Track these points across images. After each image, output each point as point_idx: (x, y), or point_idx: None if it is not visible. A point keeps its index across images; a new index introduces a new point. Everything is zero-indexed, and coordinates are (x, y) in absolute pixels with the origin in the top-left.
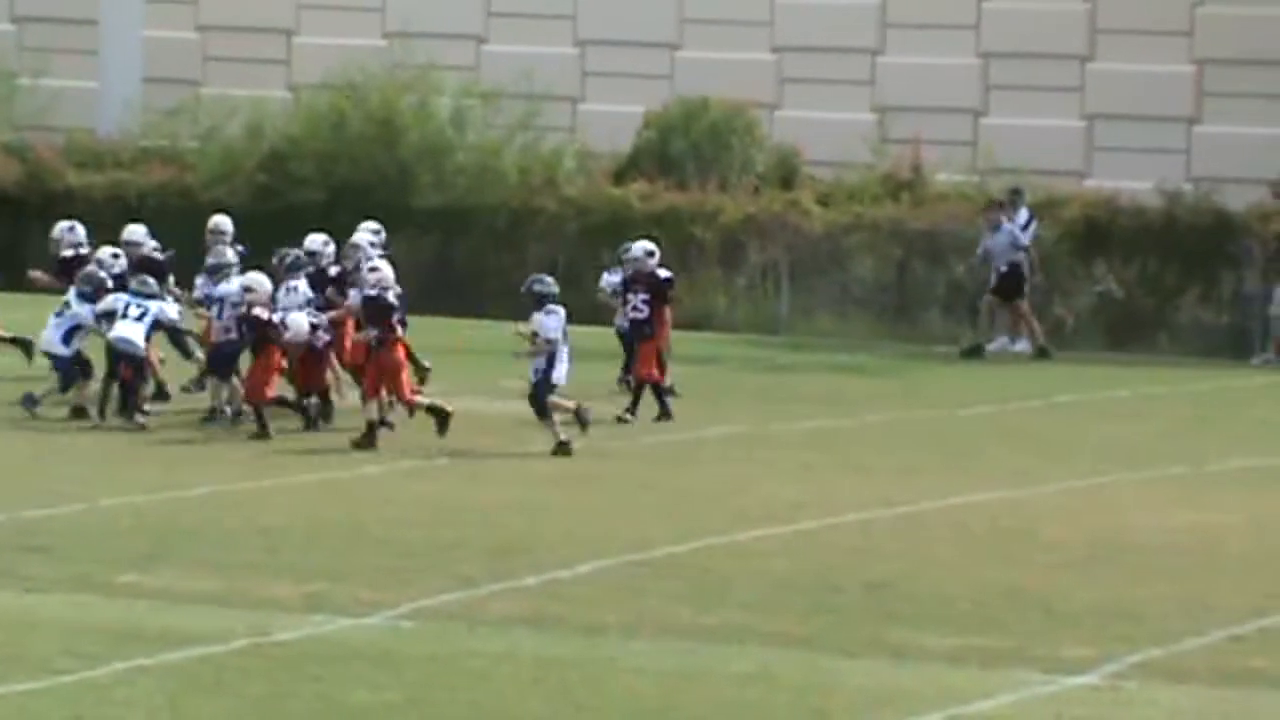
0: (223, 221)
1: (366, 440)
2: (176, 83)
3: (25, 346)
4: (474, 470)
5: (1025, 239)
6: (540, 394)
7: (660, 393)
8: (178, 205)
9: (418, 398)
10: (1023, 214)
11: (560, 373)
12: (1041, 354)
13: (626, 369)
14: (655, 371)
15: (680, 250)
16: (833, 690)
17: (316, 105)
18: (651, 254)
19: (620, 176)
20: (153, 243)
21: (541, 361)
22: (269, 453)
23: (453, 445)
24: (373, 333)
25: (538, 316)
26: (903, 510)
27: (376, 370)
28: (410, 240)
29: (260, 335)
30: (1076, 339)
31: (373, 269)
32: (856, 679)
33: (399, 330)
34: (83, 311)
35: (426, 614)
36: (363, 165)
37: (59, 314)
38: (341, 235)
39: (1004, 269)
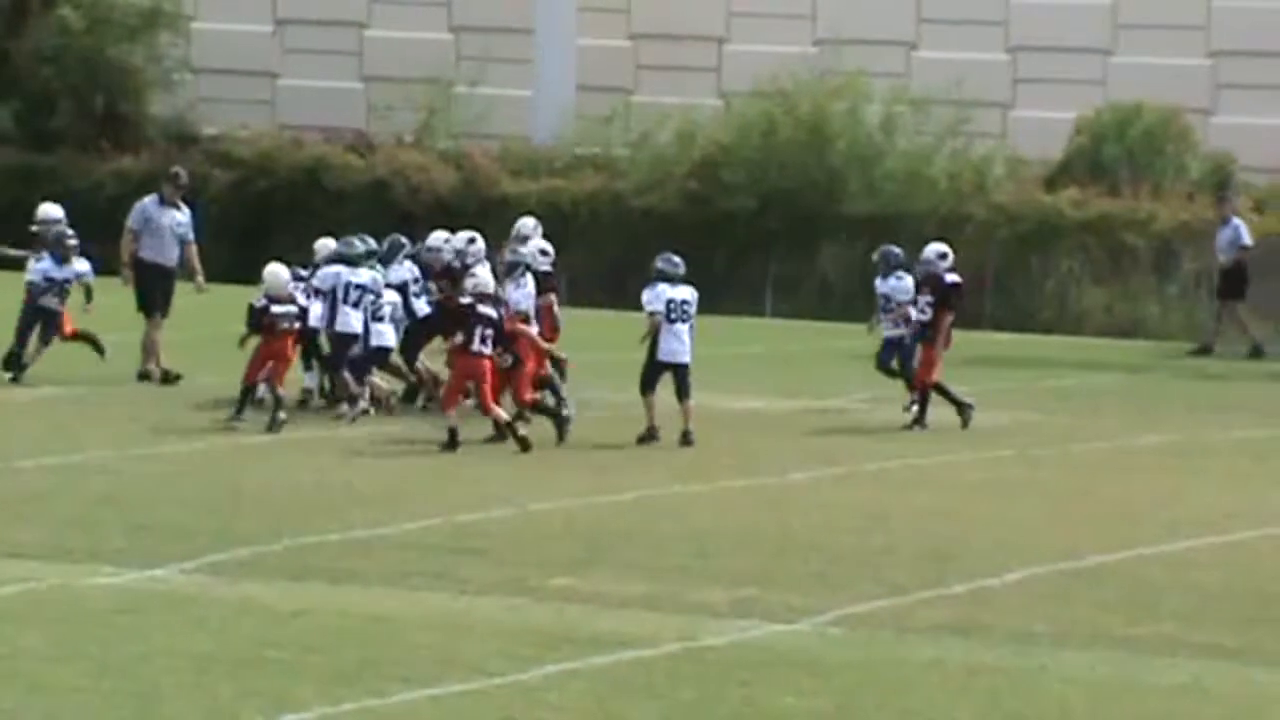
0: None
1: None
2: (609, 90)
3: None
4: (904, 477)
5: (1246, 237)
6: (644, 371)
7: (925, 400)
8: (609, 212)
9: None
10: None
11: (669, 350)
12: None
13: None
14: (934, 376)
15: (1112, 257)
16: (1267, 705)
17: (747, 112)
18: (944, 256)
19: (1051, 183)
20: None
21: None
22: (697, 459)
23: (877, 451)
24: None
25: (645, 292)
26: None
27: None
28: (840, 246)
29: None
30: None
31: (471, 274)
32: None
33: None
34: None
35: (855, 620)
36: (792, 172)
37: None
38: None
39: (1228, 266)
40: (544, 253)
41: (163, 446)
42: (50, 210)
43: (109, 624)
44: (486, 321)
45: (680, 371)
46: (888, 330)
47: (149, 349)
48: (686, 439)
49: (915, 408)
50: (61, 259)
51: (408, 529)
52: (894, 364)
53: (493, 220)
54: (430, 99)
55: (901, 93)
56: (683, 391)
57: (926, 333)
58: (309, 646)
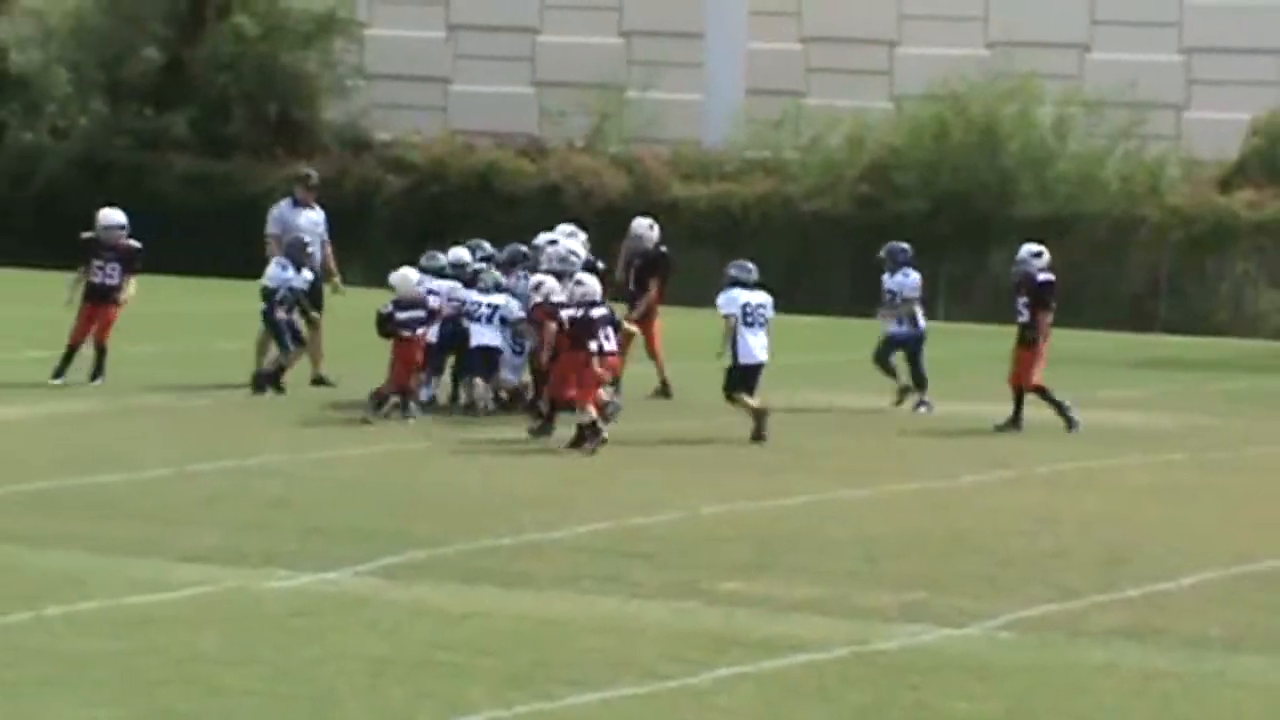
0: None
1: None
2: (779, 94)
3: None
4: (1075, 480)
5: None
6: (728, 375)
7: (1020, 403)
8: (780, 215)
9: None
10: None
11: (748, 353)
12: None
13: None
14: (1035, 378)
15: None
16: None
17: (919, 115)
18: (1038, 255)
19: (1226, 184)
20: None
21: (729, 344)
22: (865, 462)
23: (1043, 454)
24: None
25: (719, 297)
26: None
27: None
28: (1010, 250)
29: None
30: None
31: (578, 282)
32: None
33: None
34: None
35: (1026, 624)
36: (964, 175)
37: None
38: (941, 243)
39: None
40: (575, 254)
41: (335, 450)
42: (113, 215)
43: (284, 627)
44: (606, 321)
45: (756, 372)
46: (891, 327)
47: (313, 354)
48: (759, 430)
49: (1012, 409)
50: (298, 266)
51: (578, 532)
52: (893, 362)
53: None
54: (602, 104)
55: (1074, 95)
56: (752, 391)
57: (1026, 334)
58: (481, 649)
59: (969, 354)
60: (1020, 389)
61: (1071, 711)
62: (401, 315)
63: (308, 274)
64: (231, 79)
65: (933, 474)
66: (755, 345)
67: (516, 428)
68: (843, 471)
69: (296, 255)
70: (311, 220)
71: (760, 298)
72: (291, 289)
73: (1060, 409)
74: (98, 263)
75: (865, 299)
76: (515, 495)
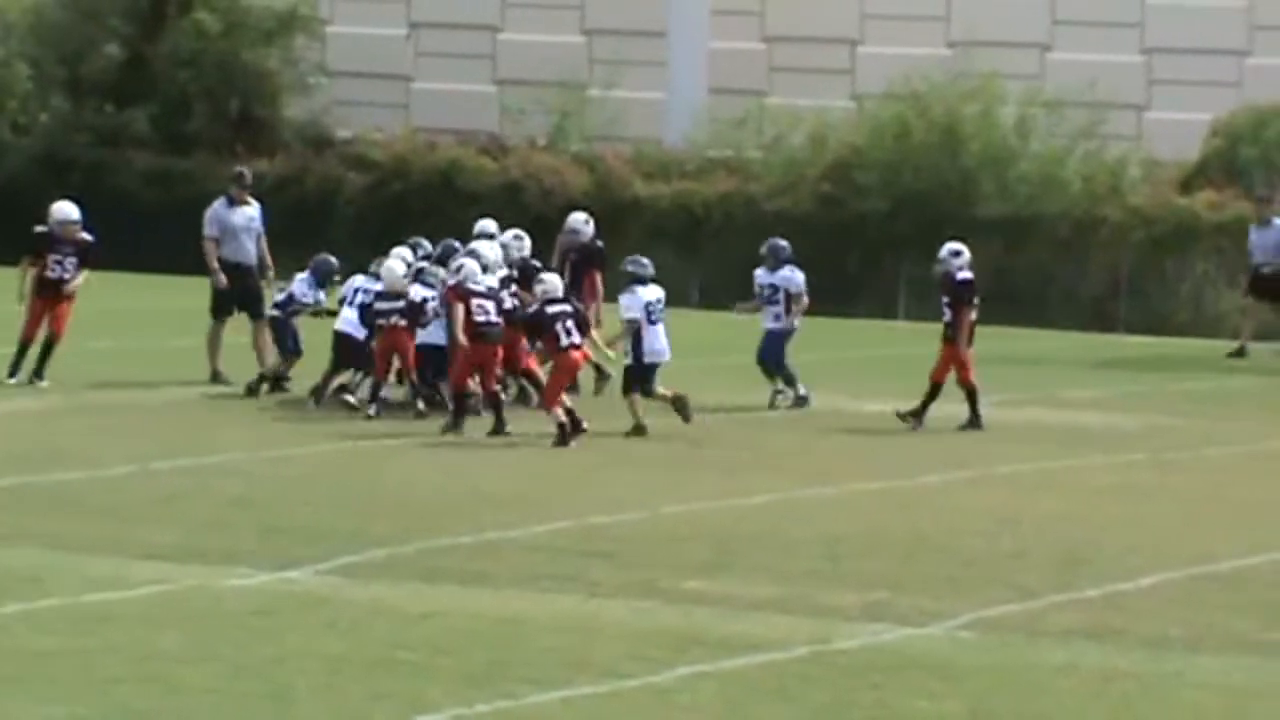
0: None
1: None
2: (741, 93)
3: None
4: (1036, 481)
5: None
6: (627, 373)
7: (973, 401)
8: (742, 215)
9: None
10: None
11: (652, 351)
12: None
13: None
14: (944, 374)
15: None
16: None
17: (880, 115)
18: (957, 254)
19: (1187, 185)
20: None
21: (630, 342)
22: (827, 462)
23: (1004, 454)
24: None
25: (622, 297)
26: None
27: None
28: (971, 250)
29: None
30: None
31: (539, 280)
32: None
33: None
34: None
35: (987, 624)
36: (925, 174)
37: None
38: (901, 243)
39: (1267, 270)
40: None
41: (295, 449)
42: (67, 209)
43: (243, 625)
44: (566, 315)
45: (655, 370)
46: (768, 323)
47: (260, 352)
48: (685, 416)
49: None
50: (323, 284)
51: (538, 531)
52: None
53: (626, 223)
54: (563, 102)
55: (1035, 95)
56: (651, 386)
57: (947, 332)
58: (440, 648)
59: (930, 354)
60: (968, 386)
61: (1031, 711)
62: (381, 305)
63: (321, 295)
64: (192, 76)
65: (894, 474)
66: (660, 342)
67: (478, 427)
68: (804, 471)
69: (323, 274)
70: (247, 216)
71: (657, 293)
72: (318, 302)
73: (974, 408)
74: (55, 257)
75: (827, 298)
76: (476, 494)
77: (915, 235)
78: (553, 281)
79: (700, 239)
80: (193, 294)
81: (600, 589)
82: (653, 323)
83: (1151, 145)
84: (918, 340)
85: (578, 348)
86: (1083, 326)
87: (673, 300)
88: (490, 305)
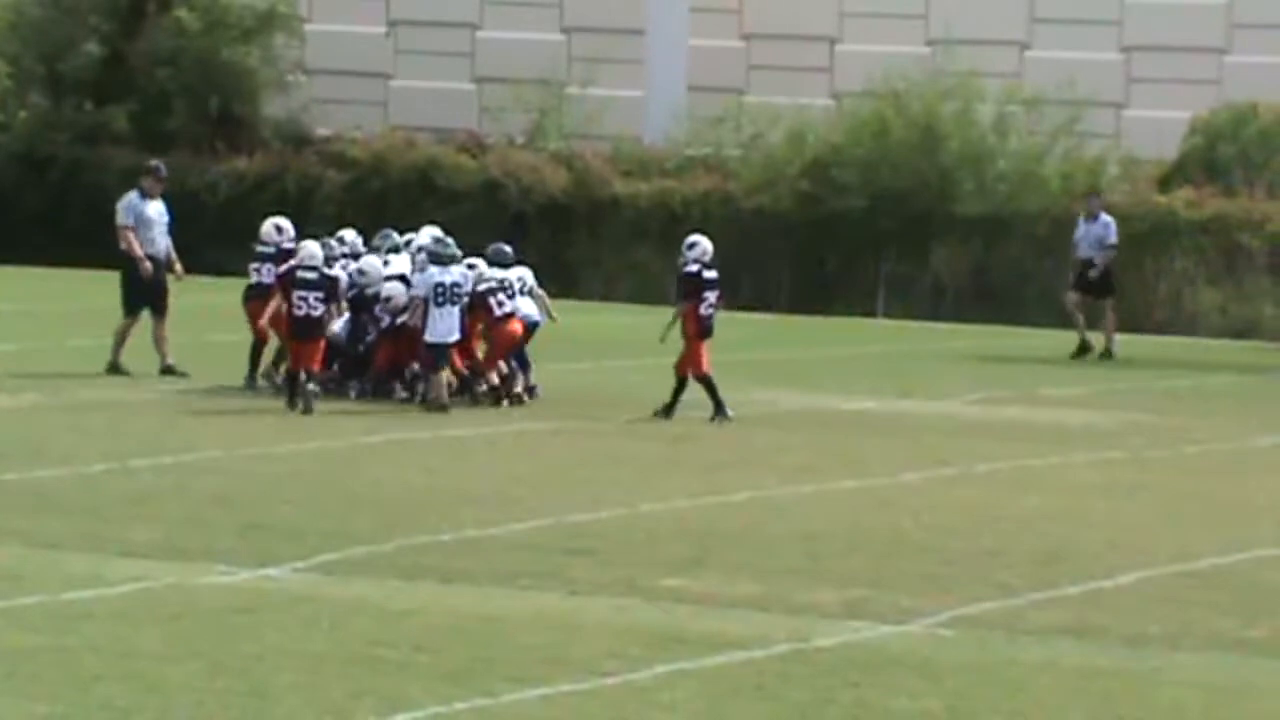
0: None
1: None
2: (720, 91)
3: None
4: (1015, 478)
5: (1114, 236)
6: (424, 349)
7: (713, 388)
8: (721, 213)
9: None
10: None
11: (436, 331)
12: (1107, 354)
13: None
14: (704, 366)
15: (1227, 258)
16: None
17: (859, 113)
18: (691, 247)
19: (1165, 183)
20: None
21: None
22: (807, 460)
23: (984, 452)
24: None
25: (414, 275)
26: None
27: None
28: (951, 247)
29: None
30: None
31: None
32: None
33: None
34: None
35: (966, 622)
36: (904, 172)
37: None
38: (880, 241)
39: (1098, 265)
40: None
41: (274, 446)
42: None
43: (222, 623)
44: (497, 289)
45: (446, 350)
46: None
47: (159, 344)
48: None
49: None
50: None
51: (518, 529)
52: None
53: (605, 220)
54: (542, 100)
55: (1014, 93)
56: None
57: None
58: (420, 646)
59: (908, 352)
60: (700, 378)
61: (1011, 709)
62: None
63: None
64: (172, 73)
65: (874, 471)
66: (446, 324)
67: (458, 424)
68: (784, 469)
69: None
70: (158, 210)
71: (455, 275)
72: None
73: (716, 398)
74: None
75: (807, 296)
76: (455, 491)
77: (894, 233)
78: (481, 264)
79: (679, 237)
80: (173, 292)
81: (580, 587)
82: (439, 305)
83: (1130, 143)
84: (897, 337)
85: (511, 316)
86: (1062, 324)
87: (651, 298)
88: (499, 296)
